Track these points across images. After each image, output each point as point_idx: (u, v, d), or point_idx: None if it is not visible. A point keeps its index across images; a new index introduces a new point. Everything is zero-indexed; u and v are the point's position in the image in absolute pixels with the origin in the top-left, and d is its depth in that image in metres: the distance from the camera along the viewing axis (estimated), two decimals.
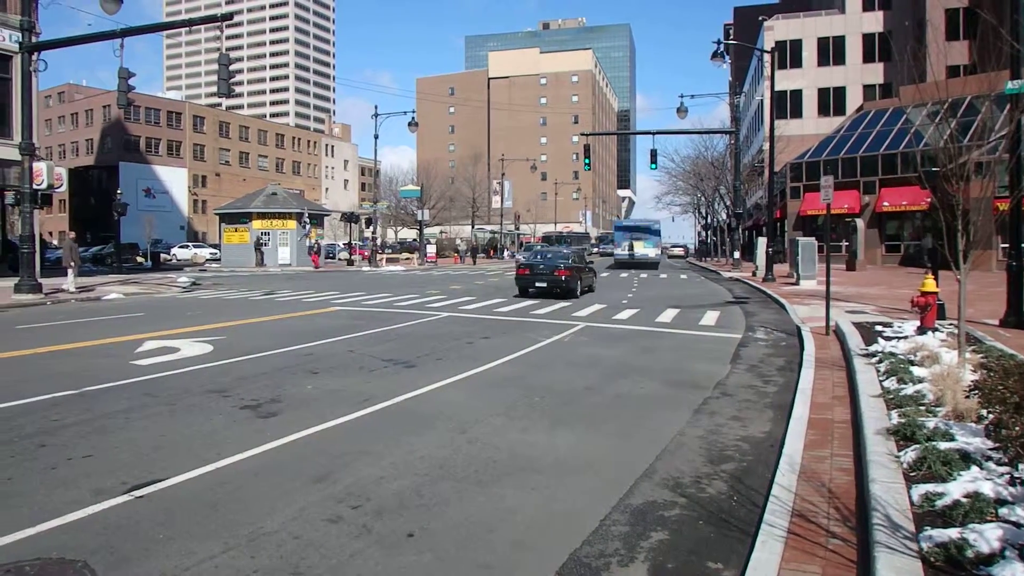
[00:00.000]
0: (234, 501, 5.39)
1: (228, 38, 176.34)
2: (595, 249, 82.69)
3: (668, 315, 18.92)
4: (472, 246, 66.12)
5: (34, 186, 22.28)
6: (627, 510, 5.30)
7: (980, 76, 12.59)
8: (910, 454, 5.58)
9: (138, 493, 5.52)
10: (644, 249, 50.28)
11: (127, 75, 21.62)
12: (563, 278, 22.99)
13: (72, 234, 24.96)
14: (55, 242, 76.54)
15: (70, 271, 23.73)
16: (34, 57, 22.54)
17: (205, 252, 61.13)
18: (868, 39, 62.03)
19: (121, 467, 6.12)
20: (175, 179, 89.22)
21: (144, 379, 9.83)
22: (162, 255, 56.32)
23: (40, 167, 23.57)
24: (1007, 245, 14.93)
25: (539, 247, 68.63)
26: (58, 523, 4.94)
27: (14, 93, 26.32)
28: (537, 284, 23.37)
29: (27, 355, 11.90)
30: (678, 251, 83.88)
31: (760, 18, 68.56)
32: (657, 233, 53.12)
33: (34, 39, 22.62)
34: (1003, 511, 4.36)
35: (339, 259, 61.68)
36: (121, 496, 5.45)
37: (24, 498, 5.41)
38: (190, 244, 68.55)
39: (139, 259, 52.50)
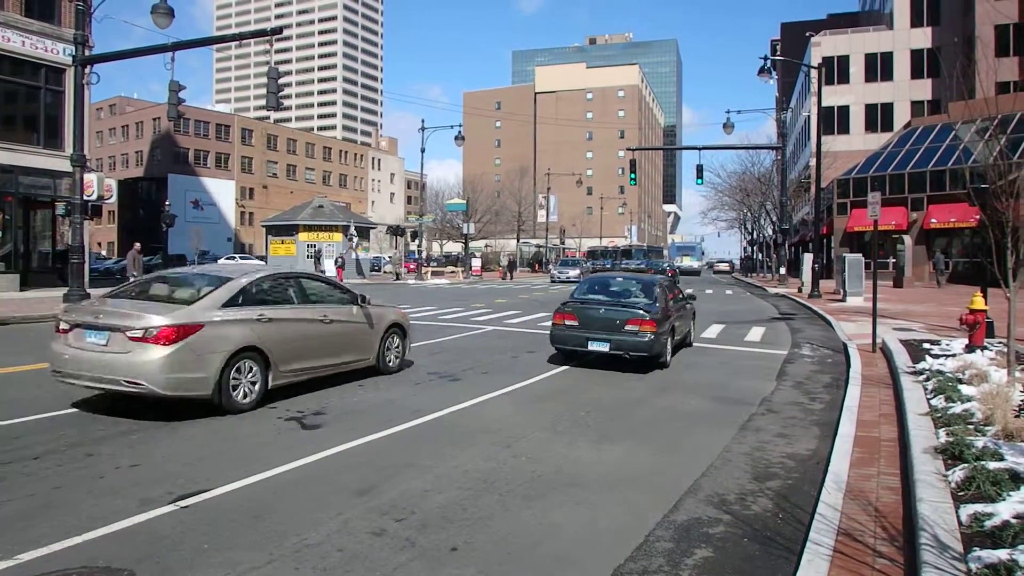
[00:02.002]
0: (278, 512, 5.45)
1: (277, 51, 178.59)
2: (621, 265, 78.99)
3: (714, 330, 18.82)
4: (511, 260, 65.56)
5: (84, 197, 22.66)
6: (672, 526, 5.32)
7: None
8: (958, 473, 5.53)
9: (184, 503, 5.59)
10: (690, 262, 73.18)
11: (177, 88, 22.06)
12: (647, 337, 12.11)
13: (138, 245, 25.55)
14: (103, 252, 78.51)
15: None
16: (87, 70, 23.09)
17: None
18: (916, 55, 61.07)
19: (167, 477, 6.20)
20: (223, 191, 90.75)
21: None
22: None
23: (90, 178, 24.17)
24: None
25: (591, 264, 67.95)
26: (105, 532, 5.00)
27: (66, 105, 27.10)
28: (592, 346, 12.43)
29: None
30: (724, 267, 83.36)
31: (807, 34, 67.96)
32: (700, 251, 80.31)
33: (87, 52, 23.18)
34: None
35: (384, 272, 62.25)
36: (167, 506, 5.52)
37: (71, 507, 5.48)
38: (237, 256, 69.72)
39: None
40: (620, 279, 15.01)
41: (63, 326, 8.66)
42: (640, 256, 77.92)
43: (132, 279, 24.01)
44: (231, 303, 8.89)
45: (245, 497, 5.79)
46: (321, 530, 5.12)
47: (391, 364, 11.79)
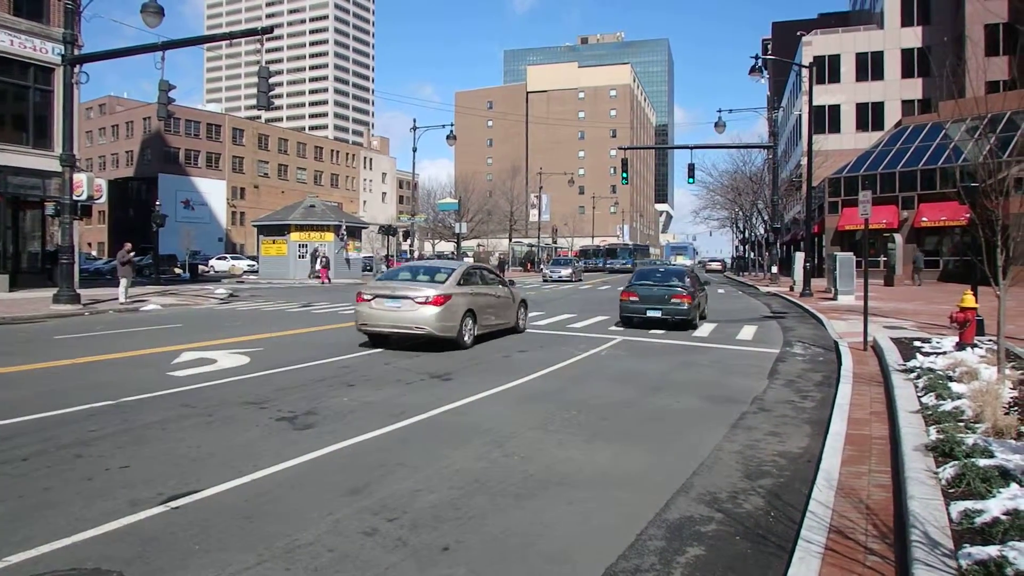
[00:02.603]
0: (269, 513, 5.44)
1: (268, 51, 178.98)
2: (607, 264, 79.00)
3: (705, 329, 18.85)
4: (501, 259, 65.25)
5: (74, 197, 22.55)
6: (663, 525, 5.32)
7: (1020, 92, 12.49)
8: (949, 471, 5.55)
9: (174, 504, 5.56)
10: (683, 261, 73.83)
11: (167, 87, 21.98)
12: (685, 306, 18.30)
13: (128, 245, 25.43)
14: (94, 253, 78.16)
15: (123, 281, 24.13)
16: (76, 69, 22.97)
17: (243, 264, 61.95)
18: (907, 54, 61.36)
19: (157, 478, 6.17)
20: (214, 191, 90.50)
21: (181, 390, 9.96)
22: (200, 267, 57.09)
23: (80, 178, 24.03)
24: None
25: (583, 263, 68.87)
26: (94, 533, 4.97)
27: (56, 105, 26.96)
28: (650, 314, 18.62)
29: (64, 365, 12.08)
30: (715, 265, 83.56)
31: (798, 33, 68.17)
32: (692, 250, 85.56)
33: (76, 52, 23.03)
34: None
35: (377, 272, 62.11)
36: (157, 507, 5.49)
37: (61, 508, 5.45)
38: (228, 256, 69.47)
39: (177, 270, 53.31)
40: (662, 270, 21.49)
41: (366, 296, 14.43)
42: (626, 255, 77.76)
43: (124, 279, 24.10)
44: (459, 283, 14.90)
45: (236, 497, 5.77)
46: (312, 530, 5.11)
47: (520, 325, 17.83)
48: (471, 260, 59.89)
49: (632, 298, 19.06)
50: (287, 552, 4.74)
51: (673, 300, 18.36)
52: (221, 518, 5.31)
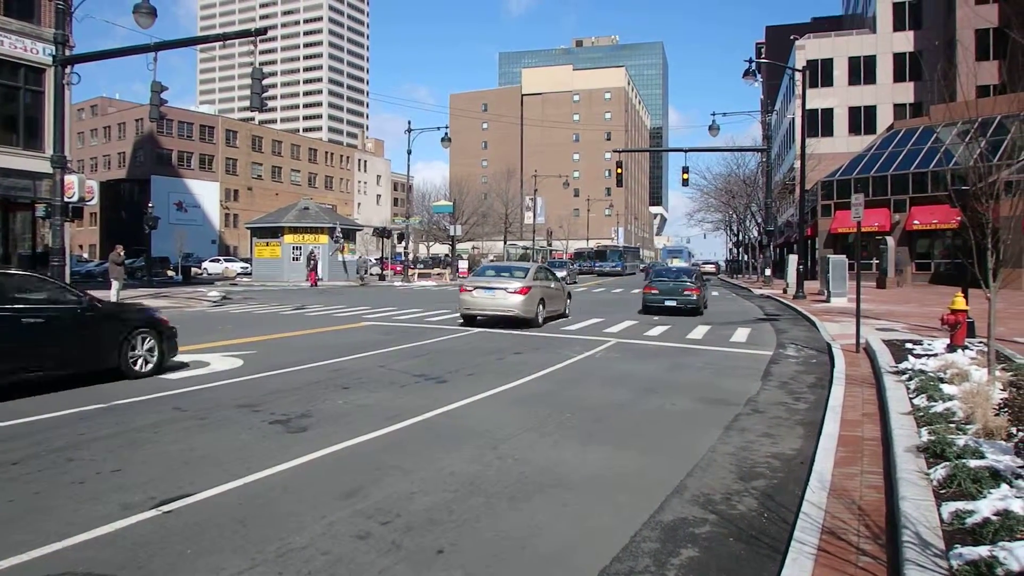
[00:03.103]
0: (263, 516, 5.42)
1: (262, 52, 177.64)
2: (595, 266, 75.72)
3: (699, 332, 18.90)
4: (471, 260, 64.43)
5: (65, 199, 22.43)
6: (658, 527, 5.34)
7: (1010, 96, 12.57)
8: (940, 471, 5.58)
9: (166, 508, 5.53)
10: (678, 263, 71.69)
11: (160, 89, 21.89)
12: (694, 298, 23.57)
13: (120, 247, 25.38)
14: (85, 255, 77.91)
15: (115, 283, 24.04)
16: (67, 70, 22.86)
17: (236, 266, 61.86)
18: (899, 58, 61.65)
19: (150, 482, 6.14)
20: (207, 193, 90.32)
21: (174, 393, 9.93)
22: (193, 269, 56.94)
23: (71, 180, 23.93)
24: None
25: (577, 265, 69.16)
26: (85, 538, 4.94)
27: (47, 106, 26.84)
28: (666, 303, 23.63)
29: None
30: (709, 268, 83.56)
31: (791, 37, 68.43)
32: (687, 253, 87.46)
33: (67, 52, 22.95)
34: None
35: (371, 274, 62.06)
36: (149, 511, 5.47)
37: (52, 512, 5.42)
38: (221, 258, 69.34)
39: (170, 273, 53.23)
40: (674, 270, 28.29)
41: (468, 288, 19.82)
42: (615, 258, 76.20)
43: (115, 281, 24.06)
44: (535, 278, 20.15)
45: (229, 501, 5.75)
46: (305, 534, 5.10)
47: (567, 312, 22.86)
48: (538, 262, 60.00)
49: (653, 291, 24.28)
50: (280, 556, 4.73)
51: (685, 292, 23.74)
52: (214, 522, 5.29)
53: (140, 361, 11.09)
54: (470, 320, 20.11)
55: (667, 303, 23.66)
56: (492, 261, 54.81)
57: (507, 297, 19.18)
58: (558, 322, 21.17)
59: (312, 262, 45.02)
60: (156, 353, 11.36)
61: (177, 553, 4.75)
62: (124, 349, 10.85)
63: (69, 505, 5.60)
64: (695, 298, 23.53)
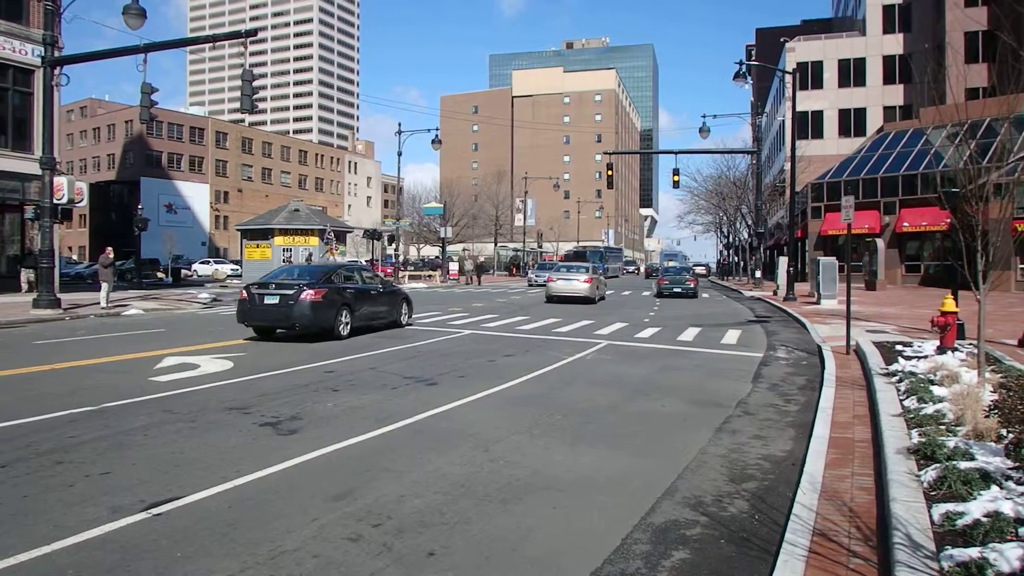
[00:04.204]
0: (253, 519, 5.38)
1: (252, 54, 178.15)
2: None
3: (690, 333, 18.93)
4: (477, 263, 63.62)
5: (54, 201, 22.34)
6: (649, 529, 5.33)
7: (999, 98, 12.58)
8: (930, 473, 5.59)
9: (156, 511, 5.49)
10: (674, 264, 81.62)
11: (150, 90, 21.78)
12: (692, 286, 37.06)
13: (109, 250, 25.24)
14: (74, 257, 77.55)
15: (105, 285, 23.95)
16: (56, 72, 22.76)
17: (226, 268, 61.69)
18: (888, 61, 61.95)
19: (139, 484, 6.09)
20: (197, 195, 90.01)
21: (163, 395, 9.86)
22: (183, 271, 56.76)
23: (60, 182, 23.83)
24: None
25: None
26: (74, 541, 4.89)
27: (36, 107, 26.72)
28: (675, 290, 36.78)
29: (44, 371, 11.94)
30: (700, 270, 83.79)
31: (782, 39, 68.73)
32: (682, 256, 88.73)
33: (57, 54, 22.85)
34: (1023, 530, 4.37)
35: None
36: (139, 514, 5.42)
37: (40, 515, 5.37)
38: (211, 260, 69.12)
39: (159, 275, 53.02)
40: (678, 267, 45.11)
41: (553, 278, 31.38)
42: (595, 259, 73.38)
43: (105, 283, 23.91)
44: (592, 272, 32.27)
45: (219, 504, 5.71)
46: (296, 536, 5.07)
47: (605, 297, 33.16)
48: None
49: (665, 282, 37.58)
50: (271, 559, 4.70)
51: (686, 283, 36.89)
52: (204, 525, 5.26)
53: (404, 317, 19.65)
54: (553, 299, 30.49)
55: (675, 289, 36.64)
56: (564, 260, 64.39)
57: (579, 284, 30.40)
58: (548, 324, 21.16)
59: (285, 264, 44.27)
60: (409, 314, 20.02)
61: (167, 556, 4.71)
62: (400, 309, 19.62)
63: (58, 508, 5.55)
64: (693, 287, 36.96)
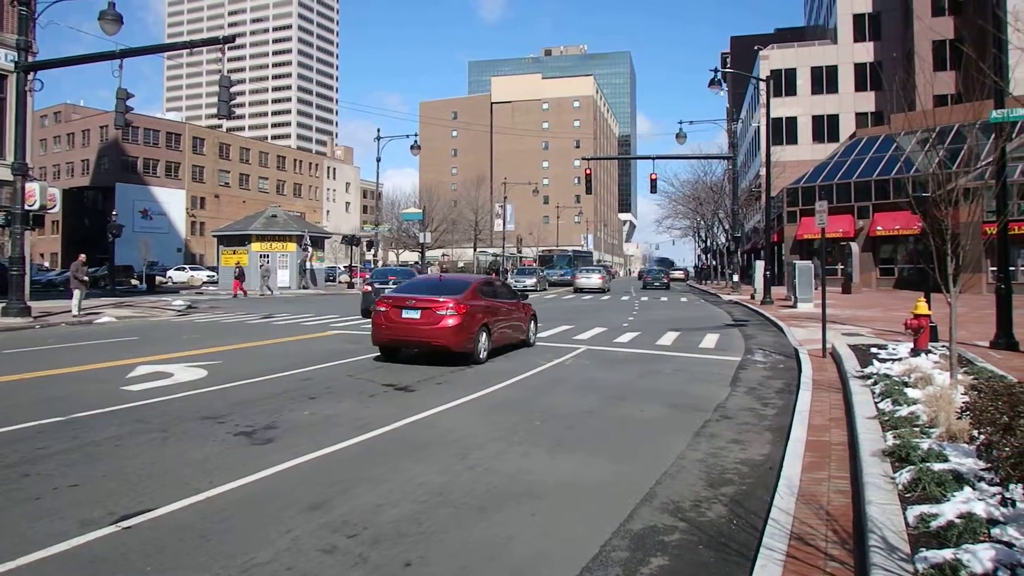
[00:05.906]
0: (226, 531, 5.30)
1: (230, 60, 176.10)
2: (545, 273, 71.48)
3: (668, 338, 18.99)
4: (443, 268, 63.27)
5: (26, 207, 22.00)
6: (627, 535, 5.33)
7: (966, 105, 12.78)
8: (905, 475, 5.64)
9: (126, 524, 5.39)
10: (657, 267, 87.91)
11: (125, 96, 21.55)
12: (667, 282, 55.45)
13: (82, 256, 24.93)
14: (46, 264, 76.56)
15: (76, 293, 23.66)
16: (30, 77, 22.47)
17: (202, 275, 61.15)
18: (860, 69, 62.75)
19: (109, 497, 5.98)
20: (173, 200, 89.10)
21: (135, 405, 9.69)
22: (158, 277, 56.13)
23: (33, 187, 23.50)
24: (996, 268, 15.13)
25: (545, 271, 69.43)
26: (41, 556, 4.78)
27: (8, 112, 26.23)
28: (655, 285, 54.53)
29: (12, 381, 11.70)
30: (678, 274, 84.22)
31: (756, 47, 69.35)
32: (669, 262, 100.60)
33: (30, 59, 22.57)
34: (995, 531, 4.42)
35: (339, 282, 61.68)
36: (108, 527, 5.32)
37: (5, 530, 5.24)
38: (187, 266, 68.44)
39: (134, 282, 52.44)
40: (656, 269, 66.88)
41: (579, 277, 51.08)
42: (564, 264, 69.22)
43: (77, 291, 23.65)
44: (605, 273, 54.97)
45: (191, 516, 5.63)
46: (270, 549, 5.00)
47: (608, 290, 49.98)
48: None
49: (647, 279, 56.80)
50: (243, 572, 4.63)
51: (662, 279, 56.64)
52: (175, 538, 5.17)
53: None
54: (579, 291, 47.06)
55: (655, 284, 55.02)
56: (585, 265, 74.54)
57: (596, 280, 48.58)
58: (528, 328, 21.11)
59: (238, 270, 43.25)
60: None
61: (137, 571, 4.63)
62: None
63: (23, 522, 5.43)
64: (666, 281, 56.15)
